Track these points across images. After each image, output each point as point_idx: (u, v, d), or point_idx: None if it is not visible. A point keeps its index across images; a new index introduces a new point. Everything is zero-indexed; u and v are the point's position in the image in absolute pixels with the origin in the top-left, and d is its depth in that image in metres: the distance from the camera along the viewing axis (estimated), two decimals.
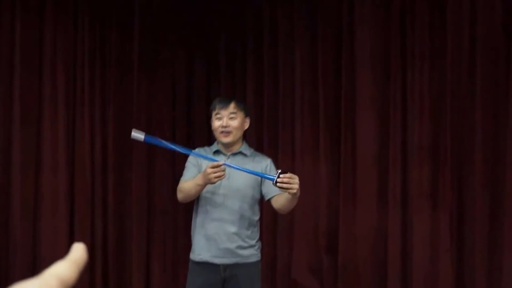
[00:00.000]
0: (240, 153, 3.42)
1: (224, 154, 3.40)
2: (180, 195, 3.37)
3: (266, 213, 5.38)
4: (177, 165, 5.38)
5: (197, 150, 3.48)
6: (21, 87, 4.62)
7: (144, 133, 3.37)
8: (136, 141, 5.25)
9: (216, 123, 3.36)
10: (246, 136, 5.62)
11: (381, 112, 4.60)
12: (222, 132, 3.34)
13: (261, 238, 5.19)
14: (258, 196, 3.40)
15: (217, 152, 3.42)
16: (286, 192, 2.99)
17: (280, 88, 5.26)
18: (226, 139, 3.35)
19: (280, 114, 5.27)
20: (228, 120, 3.33)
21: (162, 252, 5.69)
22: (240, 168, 3.18)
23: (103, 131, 5.16)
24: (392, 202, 4.47)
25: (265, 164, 3.43)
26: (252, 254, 3.38)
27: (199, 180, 3.18)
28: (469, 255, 4.11)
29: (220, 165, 3.06)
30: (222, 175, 3.08)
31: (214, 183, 3.12)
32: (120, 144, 5.32)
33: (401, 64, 4.38)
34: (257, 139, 5.51)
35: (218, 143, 3.47)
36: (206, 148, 3.53)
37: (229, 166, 3.16)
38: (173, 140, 5.66)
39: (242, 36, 5.56)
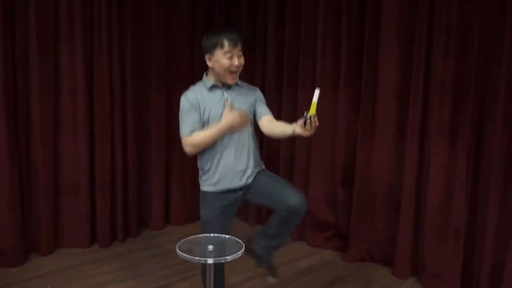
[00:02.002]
0: (236, 85, 3.43)
1: (221, 88, 3.38)
2: (192, 149, 3.34)
3: (284, 146, 5.44)
4: None
5: (189, 93, 3.38)
6: (37, 14, 4.56)
7: None
8: (156, 66, 5.34)
9: (227, 62, 3.26)
10: (266, 69, 5.64)
11: (405, 45, 4.48)
12: (232, 72, 3.30)
13: (275, 168, 5.39)
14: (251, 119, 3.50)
15: (213, 87, 3.37)
16: (304, 133, 3.00)
17: (302, 18, 5.15)
18: (234, 80, 3.35)
19: (302, 45, 5.19)
20: (238, 59, 3.30)
21: (180, 175, 5.84)
22: None
23: (121, 58, 5.13)
24: (410, 137, 4.45)
25: (257, 93, 3.56)
26: (260, 167, 3.56)
27: (223, 129, 3.23)
28: (484, 191, 4.12)
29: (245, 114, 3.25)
30: (247, 125, 3.34)
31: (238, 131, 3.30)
32: (138, 71, 5.34)
33: None
34: (277, 70, 5.52)
35: (208, 77, 3.41)
36: (195, 87, 3.42)
37: None
38: (192, 60, 5.72)
39: None
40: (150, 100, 5.50)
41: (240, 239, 2.92)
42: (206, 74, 3.43)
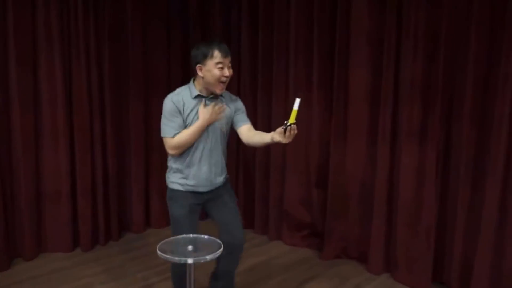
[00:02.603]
0: (218, 97, 3.52)
1: (204, 97, 3.47)
2: (177, 151, 3.47)
3: (260, 150, 5.55)
4: None
5: (173, 96, 3.47)
6: (15, 26, 4.59)
7: None
8: (133, 74, 5.42)
9: (218, 72, 3.35)
10: (241, 74, 5.73)
11: (374, 49, 4.60)
12: (222, 82, 3.39)
13: (251, 172, 5.62)
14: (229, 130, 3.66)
15: (197, 96, 3.46)
16: (283, 140, 3.10)
17: (274, 24, 5.26)
18: (222, 90, 3.45)
19: (275, 50, 5.30)
20: (228, 69, 3.40)
21: (159, 180, 5.92)
22: None
23: (99, 68, 5.18)
24: (382, 138, 4.58)
25: (238, 104, 3.66)
26: (224, 176, 3.72)
27: (202, 125, 3.41)
28: (453, 188, 4.26)
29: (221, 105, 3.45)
30: (223, 114, 3.50)
31: (214, 121, 3.45)
32: (116, 80, 5.39)
33: (397, 0, 4.35)
34: (251, 76, 5.63)
35: (194, 86, 3.48)
36: (179, 91, 3.51)
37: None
38: (168, 68, 5.83)
39: None
40: (129, 108, 5.57)
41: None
42: (193, 81, 3.51)
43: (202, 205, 3.66)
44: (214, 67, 3.34)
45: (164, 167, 5.72)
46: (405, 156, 4.41)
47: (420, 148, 4.33)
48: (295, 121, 3.02)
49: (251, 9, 5.51)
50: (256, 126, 4.96)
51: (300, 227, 5.43)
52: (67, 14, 4.90)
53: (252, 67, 5.62)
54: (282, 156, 5.43)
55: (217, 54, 3.34)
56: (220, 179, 3.63)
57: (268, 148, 5.45)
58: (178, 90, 3.52)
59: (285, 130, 3.05)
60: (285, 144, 5.07)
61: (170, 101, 3.42)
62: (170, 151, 3.48)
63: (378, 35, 4.56)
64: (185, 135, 3.40)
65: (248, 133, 3.52)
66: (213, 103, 3.45)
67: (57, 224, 5.11)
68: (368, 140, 4.79)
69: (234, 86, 5.73)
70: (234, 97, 3.69)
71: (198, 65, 3.40)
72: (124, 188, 5.73)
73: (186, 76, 5.91)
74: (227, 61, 3.38)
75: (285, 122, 3.04)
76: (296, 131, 3.06)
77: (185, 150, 3.48)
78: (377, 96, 4.61)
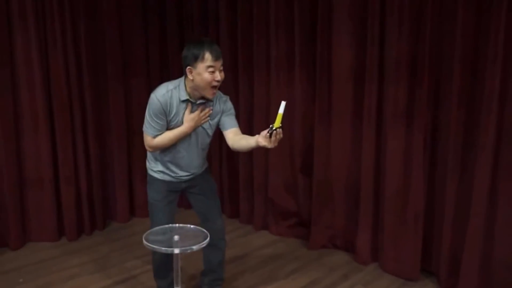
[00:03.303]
0: (207, 101, 3.40)
1: (192, 102, 3.35)
2: (154, 150, 3.46)
3: (243, 132, 5.45)
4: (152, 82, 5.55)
5: (162, 96, 3.27)
6: None
7: None
8: (111, 56, 5.34)
9: (208, 76, 3.17)
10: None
11: (358, 27, 4.44)
12: (214, 86, 3.24)
13: (234, 157, 5.54)
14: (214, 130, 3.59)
15: (185, 101, 3.32)
16: (268, 144, 3.01)
17: (254, 4, 5.09)
18: (214, 95, 3.32)
19: (255, 32, 5.13)
20: (220, 73, 3.23)
21: (143, 167, 5.76)
22: None
23: (76, 50, 5.07)
24: (367, 120, 4.43)
25: (227, 104, 3.53)
26: (204, 165, 3.71)
27: (186, 132, 3.37)
28: (441, 173, 4.14)
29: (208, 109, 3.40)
30: (208, 118, 3.44)
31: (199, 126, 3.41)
32: (94, 62, 5.28)
33: None
34: (231, 59, 5.43)
35: (185, 88, 3.32)
36: (170, 90, 3.31)
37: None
38: (146, 56, 5.73)
39: None
40: (108, 90, 5.45)
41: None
42: (185, 80, 3.32)
43: (180, 192, 3.69)
44: (205, 70, 3.17)
45: (147, 154, 5.72)
46: (391, 138, 4.27)
47: (407, 130, 4.19)
48: (280, 125, 2.93)
49: None
50: (238, 109, 4.89)
51: (286, 216, 5.32)
52: None
53: (232, 47, 5.43)
54: None
55: (208, 56, 3.15)
56: (199, 170, 3.64)
57: (250, 129, 5.29)
58: (168, 86, 3.31)
59: (270, 134, 2.96)
60: (266, 126, 5.05)
61: (157, 101, 3.24)
62: (148, 148, 3.45)
63: (362, 12, 4.39)
64: (166, 139, 3.36)
65: (234, 138, 3.40)
66: (199, 109, 3.37)
67: (42, 212, 5.08)
68: (353, 121, 4.65)
69: None
70: (224, 97, 3.53)
71: (188, 67, 3.22)
72: (107, 175, 5.65)
73: (164, 56, 5.87)
74: (219, 64, 3.20)
75: (271, 126, 2.95)
76: (281, 136, 2.98)
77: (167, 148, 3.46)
78: (362, 76, 4.45)
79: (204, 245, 2.77)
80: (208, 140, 3.56)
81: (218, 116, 3.49)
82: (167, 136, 3.35)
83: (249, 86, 5.32)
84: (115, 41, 5.41)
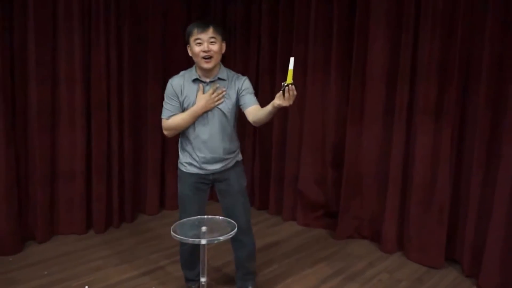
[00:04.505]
0: (218, 79, 3.51)
1: (203, 82, 3.49)
2: (169, 132, 3.56)
3: (276, 129, 5.58)
4: None
5: (175, 79, 3.53)
6: (35, 1, 4.59)
7: None
8: (151, 55, 5.43)
9: (196, 48, 3.37)
10: (260, 56, 5.73)
11: (393, 29, 4.66)
12: (204, 57, 3.37)
13: (267, 153, 5.66)
14: (236, 111, 3.61)
15: (195, 80, 3.49)
16: (283, 102, 2.99)
17: (295, 6, 5.31)
18: (208, 65, 3.40)
19: (294, 37, 5.34)
20: (209, 44, 3.37)
21: (175, 161, 5.81)
22: None
23: (119, 47, 5.18)
24: (398, 117, 4.63)
25: (244, 83, 3.56)
26: (235, 158, 3.71)
27: (197, 111, 3.45)
28: (467, 166, 4.31)
29: (217, 88, 3.46)
30: (222, 100, 3.48)
31: (212, 108, 3.46)
32: (135, 59, 5.41)
33: None
34: (270, 54, 5.64)
35: (196, 70, 3.51)
36: (184, 73, 3.56)
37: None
38: (187, 56, 5.69)
39: None
40: (147, 88, 5.58)
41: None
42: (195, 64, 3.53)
43: (209, 185, 3.71)
44: (194, 43, 3.39)
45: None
46: (420, 134, 4.46)
47: (436, 126, 4.38)
48: (292, 81, 2.92)
49: None
50: None
51: (314, 207, 5.48)
52: None
53: (272, 52, 5.64)
54: (298, 135, 5.49)
55: (195, 30, 3.38)
56: (226, 162, 3.62)
57: (285, 127, 5.53)
58: (183, 72, 3.58)
59: (283, 91, 2.95)
60: (301, 123, 5.12)
61: (170, 84, 3.52)
62: (164, 132, 3.57)
63: (397, 15, 4.62)
64: (177, 119, 3.48)
65: (252, 112, 3.44)
66: (211, 90, 3.46)
67: (71, 205, 5.11)
68: (384, 118, 4.85)
69: (253, 68, 5.82)
70: (241, 77, 3.61)
71: (187, 45, 3.48)
72: (140, 168, 5.73)
73: None
74: (206, 36, 3.36)
75: (283, 83, 2.95)
76: (295, 92, 2.96)
77: (188, 134, 3.54)
78: (394, 75, 4.67)
79: (231, 235, 2.77)
80: (228, 122, 3.55)
81: (235, 95, 3.54)
82: (179, 116, 3.48)
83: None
84: (157, 45, 5.57)
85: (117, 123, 5.26)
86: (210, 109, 3.45)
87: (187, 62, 5.68)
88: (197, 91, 3.46)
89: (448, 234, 4.44)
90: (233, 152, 3.66)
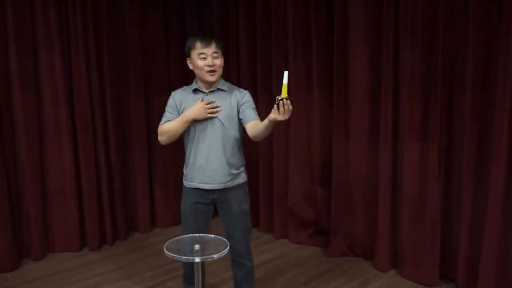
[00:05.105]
0: (218, 89, 3.57)
1: (203, 92, 3.56)
2: (162, 138, 3.59)
3: (263, 147, 5.56)
4: None
5: (177, 91, 3.66)
6: (14, 22, 4.65)
7: None
8: (132, 72, 5.46)
9: (200, 62, 3.45)
10: (240, 72, 5.74)
11: (373, 45, 4.59)
12: (208, 71, 3.46)
13: (257, 169, 5.52)
14: (238, 125, 3.60)
15: (196, 90, 3.57)
16: (278, 117, 2.99)
17: (272, 21, 5.27)
18: (213, 78, 3.48)
19: (273, 47, 5.30)
20: (212, 59, 3.45)
21: (163, 178, 5.98)
22: None
23: (99, 65, 5.20)
24: (383, 134, 4.55)
25: (244, 97, 3.59)
26: (237, 178, 3.66)
27: (187, 116, 3.49)
28: (457, 183, 4.23)
29: (214, 102, 3.50)
30: (216, 111, 3.50)
31: (204, 118, 3.48)
32: (116, 77, 5.41)
33: None
34: (250, 73, 5.62)
35: (196, 81, 3.59)
36: (186, 88, 3.66)
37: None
38: (167, 70, 5.84)
39: None
40: (130, 105, 5.59)
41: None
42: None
43: (210, 205, 3.68)
44: (197, 57, 3.46)
45: (167, 166, 5.87)
46: (408, 152, 4.40)
47: (422, 143, 4.31)
48: (287, 95, 2.92)
49: (248, 3, 5.54)
50: None
51: (306, 225, 5.43)
52: (66, 11, 4.95)
53: (251, 64, 5.63)
54: (284, 153, 5.42)
55: (198, 44, 3.45)
56: (226, 179, 3.57)
57: (271, 142, 5.45)
58: (185, 86, 3.68)
59: (278, 105, 2.95)
60: (287, 141, 5.14)
61: (172, 95, 3.64)
62: (158, 138, 3.61)
63: (376, 31, 4.55)
64: (169, 124, 3.54)
65: (252, 127, 3.44)
66: (207, 100, 3.51)
67: (64, 223, 5.17)
68: (370, 136, 4.78)
69: (234, 83, 5.72)
70: (242, 90, 3.66)
71: (187, 59, 3.56)
72: (129, 186, 5.76)
73: (185, 72, 5.79)
74: (210, 51, 3.44)
75: (277, 97, 2.94)
76: (291, 106, 2.95)
77: (190, 144, 3.58)
78: (378, 93, 4.59)
79: (224, 254, 2.79)
80: (226, 133, 3.53)
81: (235, 103, 3.56)
82: (173, 121, 3.54)
83: (267, 103, 5.35)
84: (137, 59, 5.56)
85: (103, 140, 5.30)
86: (203, 119, 3.48)
87: (167, 75, 5.81)
88: (196, 100, 3.52)
89: (442, 252, 4.37)
90: (235, 167, 3.62)
